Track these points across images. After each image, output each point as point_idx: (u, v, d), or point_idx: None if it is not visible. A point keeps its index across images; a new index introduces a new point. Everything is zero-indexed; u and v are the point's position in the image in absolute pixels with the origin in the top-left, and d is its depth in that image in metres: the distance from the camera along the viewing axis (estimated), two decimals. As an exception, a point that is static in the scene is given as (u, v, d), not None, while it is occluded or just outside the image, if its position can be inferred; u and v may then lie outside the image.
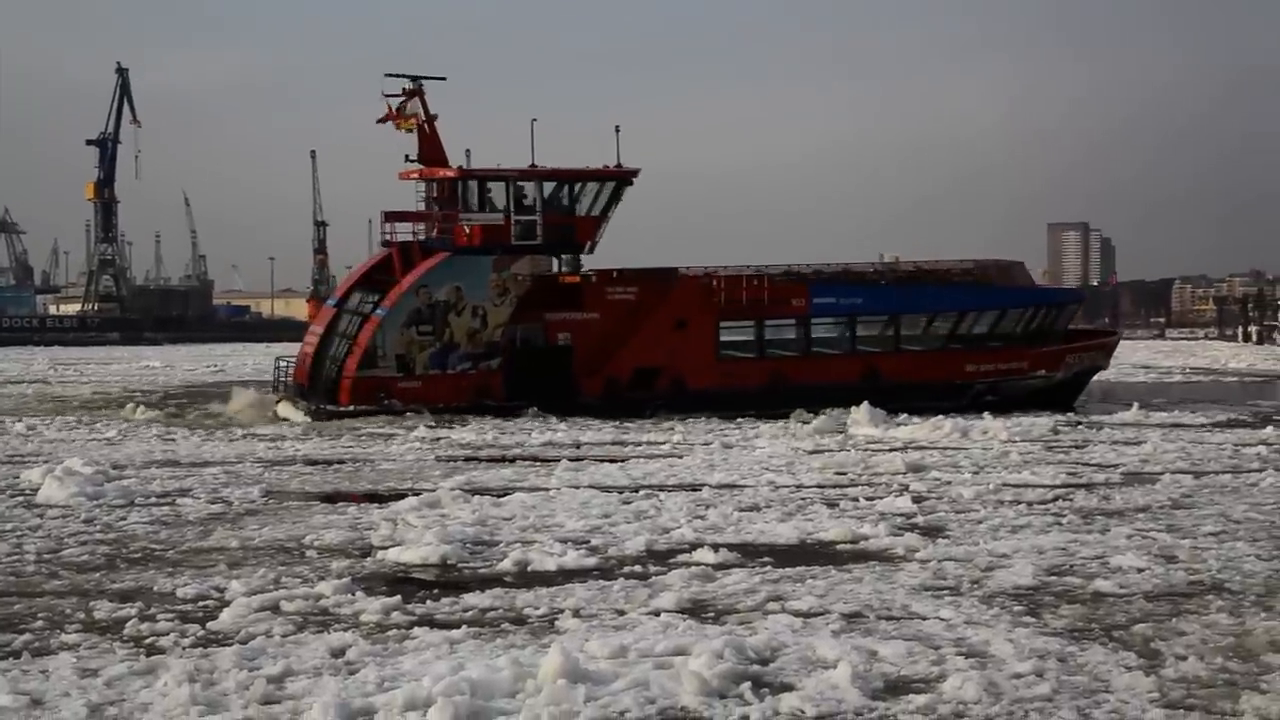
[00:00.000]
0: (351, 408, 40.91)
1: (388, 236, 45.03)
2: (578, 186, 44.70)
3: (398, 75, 44.97)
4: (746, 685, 11.49)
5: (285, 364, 45.52)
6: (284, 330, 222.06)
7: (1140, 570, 16.60)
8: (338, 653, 12.70)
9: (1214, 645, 13.01)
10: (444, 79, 46.15)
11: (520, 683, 11.37)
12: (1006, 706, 11.11)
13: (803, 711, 10.99)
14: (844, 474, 26.50)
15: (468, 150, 45.83)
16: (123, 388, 59.75)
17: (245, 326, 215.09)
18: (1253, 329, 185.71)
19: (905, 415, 38.58)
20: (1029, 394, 47.51)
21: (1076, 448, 32.21)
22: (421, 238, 44.61)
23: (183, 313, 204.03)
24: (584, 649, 12.50)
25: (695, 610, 14.57)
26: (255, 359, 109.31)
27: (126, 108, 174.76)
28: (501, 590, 15.66)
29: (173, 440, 34.76)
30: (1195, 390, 60.13)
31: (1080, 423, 39.84)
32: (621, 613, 14.43)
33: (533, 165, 44.29)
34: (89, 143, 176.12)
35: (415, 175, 45.21)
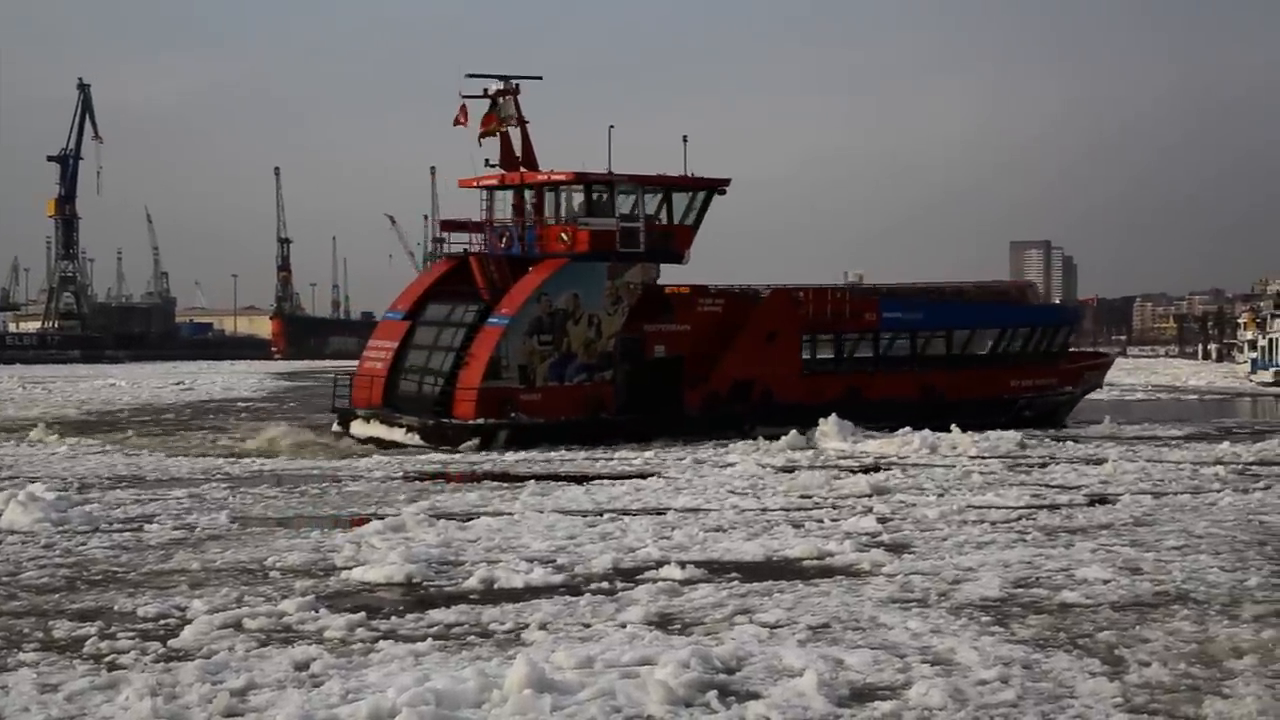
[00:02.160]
0: (481, 421, 38.74)
1: (465, 247, 43.63)
2: (675, 195, 43.73)
3: (481, 75, 43.65)
4: (713, 694, 11.46)
5: (345, 383, 43.50)
6: (247, 348, 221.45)
7: (1106, 582, 16.68)
8: (301, 666, 12.60)
9: (1178, 652, 13.08)
10: (540, 78, 44.87)
11: (486, 693, 11.31)
12: (972, 712, 11.12)
13: (769, 719, 10.97)
14: (808, 496, 26.51)
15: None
16: (86, 408, 58.89)
17: (209, 344, 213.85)
18: (1213, 347, 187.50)
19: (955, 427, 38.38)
20: (1054, 409, 49.15)
21: (1040, 467, 32.43)
22: (478, 248, 43.32)
23: (145, 330, 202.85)
24: (550, 660, 12.44)
25: (662, 623, 14.53)
26: (224, 377, 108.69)
27: (88, 123, 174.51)
28: (467, 606, 15.58)
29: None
30: (1159, 409, 60.81)
31: (1050, 437, 40.26)
32: (588, 626, 14.38)
33: (609, 172, 42.95)
34: (50, 159, 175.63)
35: (496, 181, 43.53)
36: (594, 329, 40.99)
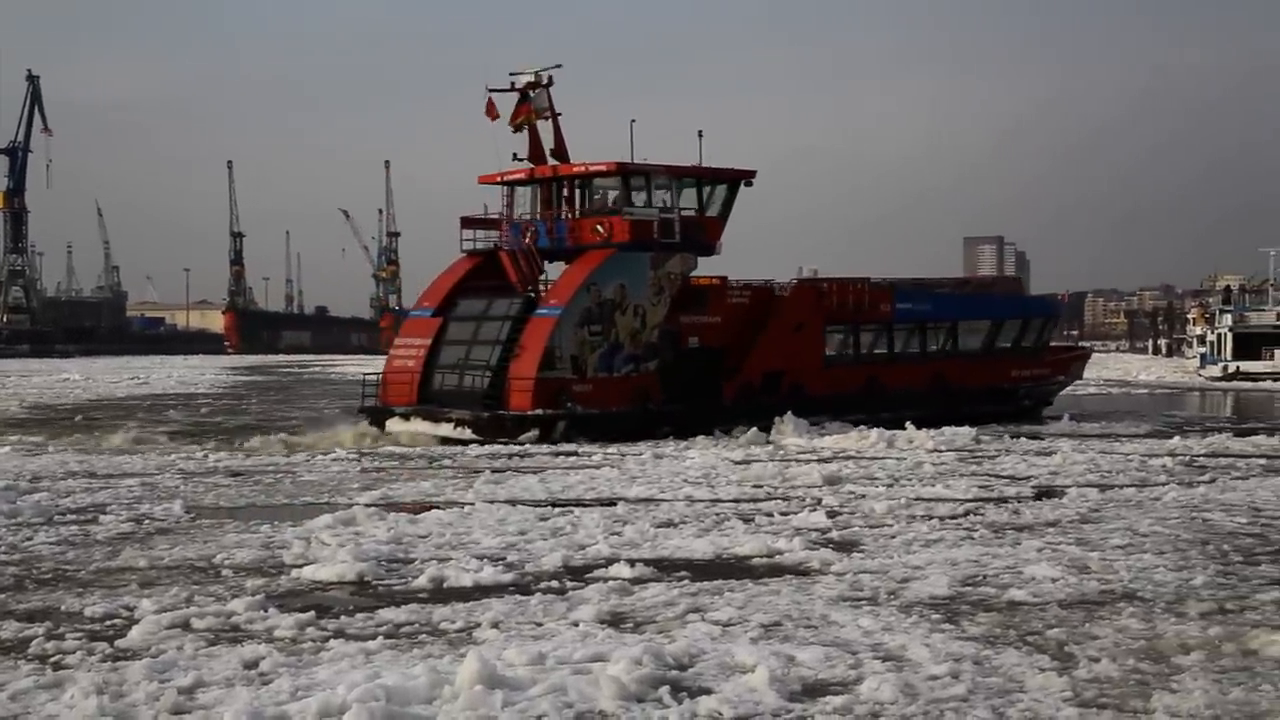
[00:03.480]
0: (540, 412, 38.39)
1: (495, 242, 43.60)
2: (706, 186, 44.00)
3: (519, 73, 43.61)
4: (665, 689, 11.46)
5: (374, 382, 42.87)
6: (200, 342, 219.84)
7: (1054, 580, 16.80)
8: (250, 664, 12.49)
9: (1126, 648, 13.19)
10: (559, 66, 44.34)
11: (437, 689, 11.26)
12: (923, 706, 11.17)
13: (720, 713, 10.98)
14: (760, 487, 26.63)
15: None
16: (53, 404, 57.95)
17: (160, 339, 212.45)
18: (1163, 342, 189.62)
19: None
20: (1046, 397, 52.14)
21: (989, 459, 32.75)
22: (500, 243, 43.51)
23: (95, 325, 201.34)
24: (501, 657, 12.40)
25: (614, 621, 14.50)
26: (179, 371, 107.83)
27: (37, 116, 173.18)
28: (418, 605, 15.49)
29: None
30: (1110, 403, 61.70)
31: (1008, 433, 40.81)
32: (539, 624, 14.34)
33: (645, 162, 42.90)
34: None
35: (525, 175, 43.40)
36: (639, 319, 40.97)
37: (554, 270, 43.59)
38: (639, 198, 42.58)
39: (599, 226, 41.86)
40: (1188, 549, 19.54)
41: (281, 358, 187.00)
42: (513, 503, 23.97)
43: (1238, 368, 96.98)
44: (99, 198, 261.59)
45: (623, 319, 40.55)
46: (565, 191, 43.32)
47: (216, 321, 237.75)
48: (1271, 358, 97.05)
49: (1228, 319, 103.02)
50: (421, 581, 16.98)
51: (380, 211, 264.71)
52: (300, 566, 18.07)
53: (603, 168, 42.43)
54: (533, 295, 42.27)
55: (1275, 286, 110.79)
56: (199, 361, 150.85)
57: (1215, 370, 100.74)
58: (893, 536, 20.65)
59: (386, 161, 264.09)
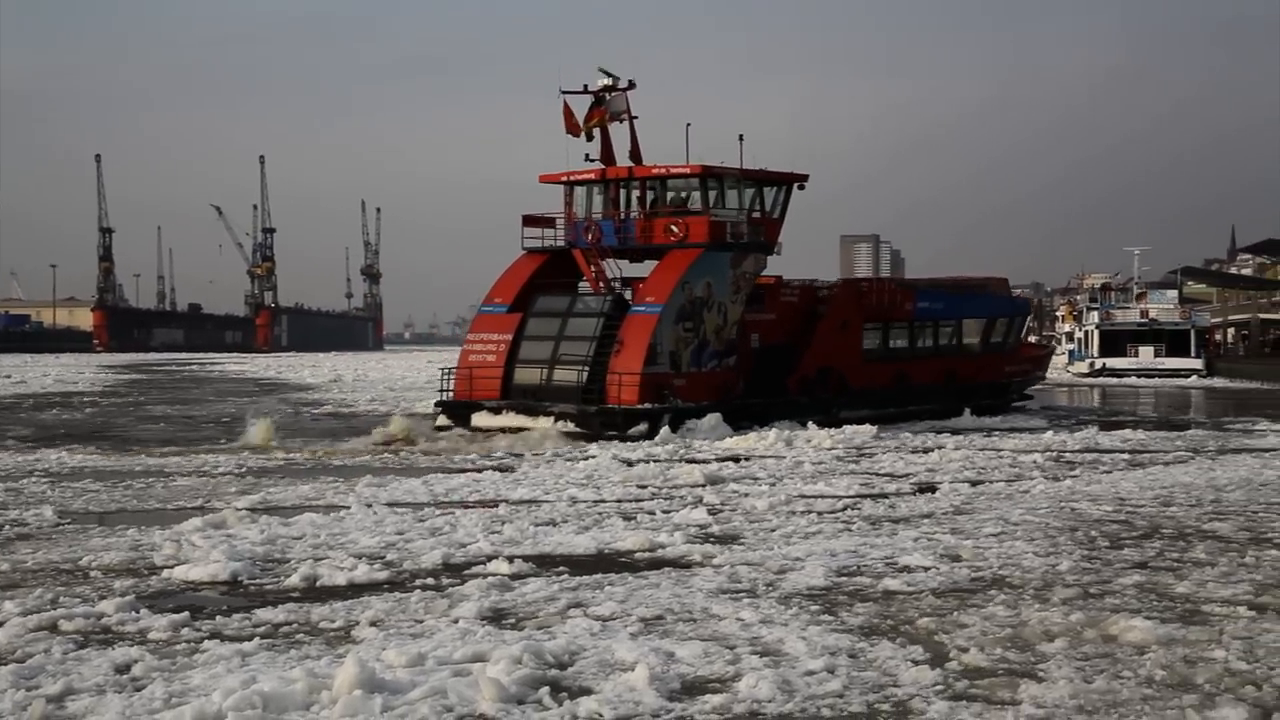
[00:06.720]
0: (648, 406, 39.26)
1: (569, 240, 44.64)
2: (767, 187, 45.15)
3: (606, 74, 44.34)
4: (545, 690, 11.44)
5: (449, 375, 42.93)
6: (68, 340, 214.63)
7: (927, 569, 17.13)
8: (122, 669, 12.22)
9: (994, 637, 13.46)
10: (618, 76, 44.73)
11: (315, 694, 11.12)
12: (799, 704, 11.29)
13: (601, 715, 10.98)
14: (645, 487, 26.72)
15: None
16: None
17: (26, 336, 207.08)
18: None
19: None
20: (1024, 390, 56.13)
21: (868, 456, 33.27)
22: (561, 241, 44.79)
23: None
24: (381, 658, 12.31)
25: (495, 618, 14.45)
26: (54, 371, 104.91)
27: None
28: (295, 605, 15.28)
29: None
30: None
31: (899, 430, 41.62)
32: (420, 621, 14.24)
33: (700, 165, 43.69)
34: None
35: (595, 175, 44.11)
36: (722, 316, 42.48)
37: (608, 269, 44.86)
38: (713, 198, 43.96)
39: (673, 227, 43.06)
40: (1057, 535, 20.08)
41: (155, 356, 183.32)
42: (392, 505, 23.74)
43: (1104, 364, 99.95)
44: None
45: (710, 316, 42.04)
46: (637, 192, 44.45)
47: (85, 319, 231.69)
48: (1136, 354, 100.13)
49: (1095, 316, 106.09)
50: (294, 580, 16.73)
51: (255, 207, 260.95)
52: (171, 567, 17.77)
53: (686, 170, 43.54)
54: (620, 293, 43.54)
55: (1139, 285, 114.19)
56: (72, 360, 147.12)
57: (1083, 366, 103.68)
58: (773, 530, 20.89)
59: (261, 156, 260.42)
